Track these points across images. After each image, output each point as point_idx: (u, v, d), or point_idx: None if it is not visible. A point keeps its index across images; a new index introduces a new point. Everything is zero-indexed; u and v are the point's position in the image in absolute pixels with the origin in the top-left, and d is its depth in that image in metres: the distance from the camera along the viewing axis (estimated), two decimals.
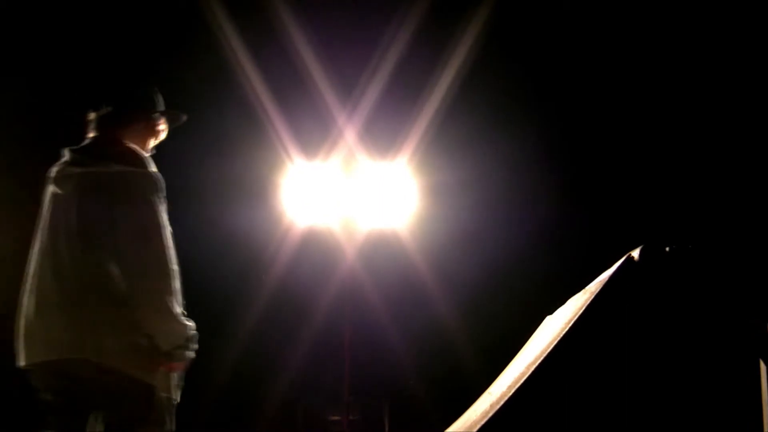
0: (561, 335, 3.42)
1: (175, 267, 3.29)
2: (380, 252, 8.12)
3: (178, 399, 3.35)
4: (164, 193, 3.34)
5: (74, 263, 3.24)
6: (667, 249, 3.44)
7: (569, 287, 7.83)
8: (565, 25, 7.81)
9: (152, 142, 3.58)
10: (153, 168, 3.40)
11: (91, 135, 3.51)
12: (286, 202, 7.71)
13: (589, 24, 7.85)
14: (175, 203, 3.35)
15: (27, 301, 3.31)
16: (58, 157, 3.44)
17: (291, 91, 7.49)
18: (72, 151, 3.46)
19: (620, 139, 8.20)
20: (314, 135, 7.68)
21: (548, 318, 4.06)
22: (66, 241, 3.27)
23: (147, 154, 3.47)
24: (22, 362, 3.27)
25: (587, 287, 3.66)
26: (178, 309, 3.30)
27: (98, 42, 7.42)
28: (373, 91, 7.80)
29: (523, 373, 3.50)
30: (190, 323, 3.30)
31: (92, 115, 3.51)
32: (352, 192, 7.81)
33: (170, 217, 3.35)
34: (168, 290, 3.25)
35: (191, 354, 3.31)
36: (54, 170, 3.41)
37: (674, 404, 3.30)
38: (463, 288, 8.09)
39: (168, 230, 3.31)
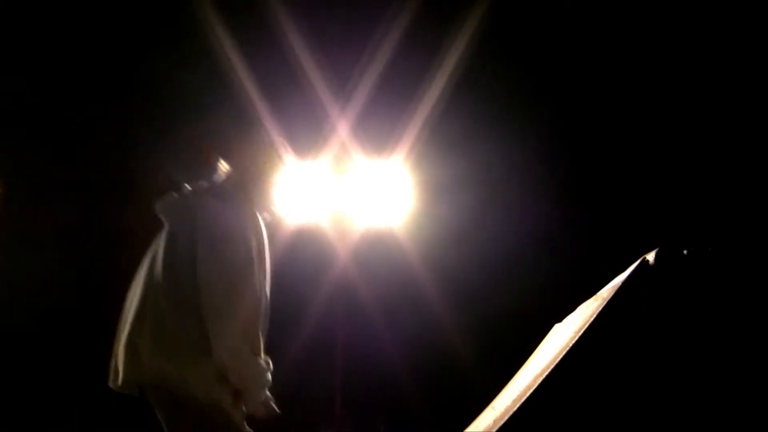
0: (571, 345, 3.30)
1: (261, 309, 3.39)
2: (375, 253, 8.09)
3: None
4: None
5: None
6: (685, 252, 3.33)
7: (571, 288, 7.78)
8: (567, 18, 7.85)
9: None
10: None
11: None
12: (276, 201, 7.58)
13: (593, 17, 7.87)
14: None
15: (125, 325, 3.45)
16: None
17: (280, 84, 7.43)
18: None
19: (624, 136, 8.20)
20: (305, 130, 7.59)
21: (557, 326, 3.93)
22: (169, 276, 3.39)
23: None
24: (114, 383, 3.47)
25: (599, 293, 3.53)
26: (257, 353, 3.43)
27: (82, 37, 7.49)
28: (367, 85, 7.74)
29: (529, 386, 3.39)
30: (264, 367, 3.41)
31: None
32: (345, 190, 7.82)
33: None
34: (245, 332, 3.36)
35: (263, 398, 3.44)
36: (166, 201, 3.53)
37: (693, 420, 3.19)
38: (462, 291, 8.07)
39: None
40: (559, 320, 3.95)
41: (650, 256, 3.34)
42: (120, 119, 7.76)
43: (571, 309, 3.89)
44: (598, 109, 8.15)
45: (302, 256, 7.71)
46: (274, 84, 7.26)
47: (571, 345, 3.30)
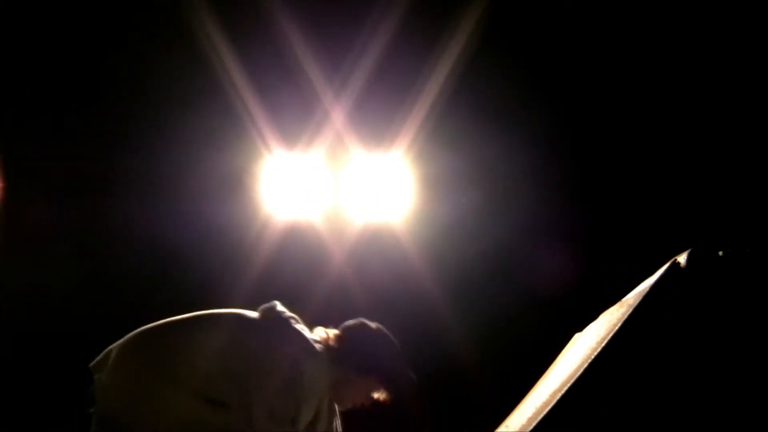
0: (593, 357, 3.13)
1: None
2: (372, 253, 7.94)
3: None
4: None
5: None
6: (721, 253, 3.19)
7: (580, 290, 7.69)
8: (578, 7, 7.72)
9: None
10: None
11: None
12: (265, 197, 7.59)
13: (603, 7, 7.74)
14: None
15: None
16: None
17: (267, 66, 7.21)
18: None
19: (638, 131, 8.05)
20: (295, 119, 7.46)
21: (577, 336, 3.75)
22: None
23: None
24: None
25: (624, 299, 3.38)
26: None
27: (70, 29, 7.40)
28: (365, 69, 7.46)
29: (546, 403, 3.23)
30: None
31: None
32: (341, 185, 7.72)
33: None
34: None
35: None
36: None
37: None
38: (467, 295, 7.91)
39: None
40: (576, 327, 3.76)
41: (682, 258, 3.19)
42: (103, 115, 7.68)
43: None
44: (611, 103, 8.05)
45: (293, 255, 7.63)
46: (261, 66, 7.13)
47: (593, 357, 3.13)
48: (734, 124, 7.79)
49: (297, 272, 7.60)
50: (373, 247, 7.97)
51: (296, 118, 7.42)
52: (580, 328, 3.79)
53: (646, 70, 7.84)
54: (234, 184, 7.57)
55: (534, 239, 7.95)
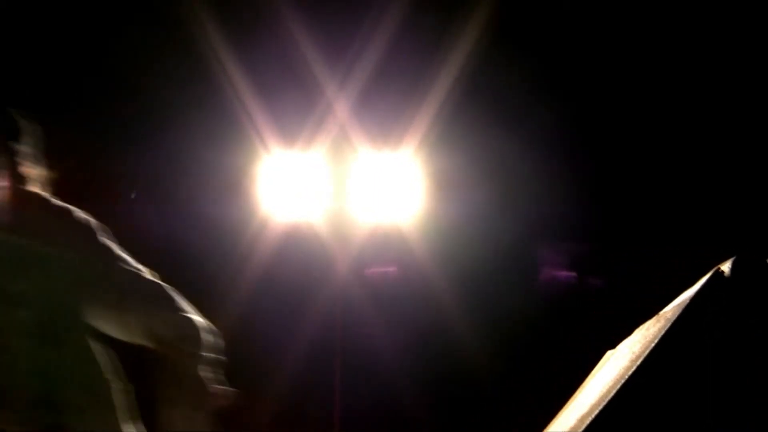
0: (627, 376, 2.99)
1: None
2: (379, 258, 8.11)
3: None
4: None
5: None
6: None
7: (599, 295, 7.76)
8: (582, 5, 7.95)
9: None
10: None
11: None
12: (263, 198, 7.57)
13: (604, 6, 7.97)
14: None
15: None
16: None
17: (267, 58, 7.14)
18: None
19: (653, 128, 8.31)
20: (296, 114, 7.41)
21: (609, 354, 3.62)
22: None
23: None
24: None
25: (661, 313, 3.24)
26: None
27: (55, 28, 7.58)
28: (371, 61, 7.41)
29: (574, 429, 3.10)
30: None
31: None
32: (345, 185, 7.70)
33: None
34: None
35: None
36: None
37: None
38: (480, 300, 8.05)
39: None
40: (607, 343, 3.69)
41: (725, 267, 3.04)
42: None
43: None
44: (625, 103, 8.21)
45: (294, 259, 7.66)
46: (260, 58, 7.06)
47: (626, 377, 2.98)
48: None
49: (298, 277, 7.71)
50: (381, 250, 8.03)
51: (296, 112, 7.36)
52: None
53: (666, 65, 8.09)
54: (230, 184, 7.53)
55: (558, 243, 8.18)
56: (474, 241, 8.11)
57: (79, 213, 3.51)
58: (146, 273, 3.48)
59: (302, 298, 7.64)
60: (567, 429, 3.16)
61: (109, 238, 3.50)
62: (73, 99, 7.67)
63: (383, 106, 7.71)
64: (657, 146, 8.17)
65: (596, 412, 2.98)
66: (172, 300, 3.44)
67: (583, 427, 2.98)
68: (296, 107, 7.33)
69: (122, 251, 3.49)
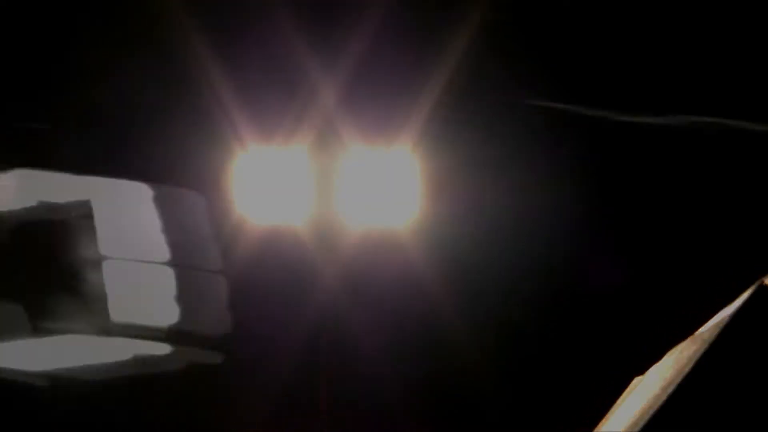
0: (657, 407, 2.94)
1: None
2: (371, 264, 7.93)
3: None
4: None
5: None
6: None
7: (610, 302, 7.80)
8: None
9: None
10: None
11: None
12: (240, 200, 7.54)
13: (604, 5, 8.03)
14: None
15: None
16: None
17: (241, 42, 7.14)
18: None
19: (663, 126, 8.29)
20: (276, 105, 7.33)
21: (637, 381, 3.57)
22: None
23: None
24: None
25: (697, 333, 3.23)
26: None
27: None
28: (362, 47, 7.38)
29: None
30: None
31: None
32: (333, 185, 7.67)
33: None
34: None
35: None
36: None
37: None
38: (481, 310, 7.96)
39: None
40: (635, 368, 3.64)
41: None
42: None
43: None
44: (625, 102, 8.24)
45: (274, 268, 7.60)
46: (233, 41, 7.06)
47: (657, 407, 2.93)
48: None
49: (277, 289, 7.60)
50: (372, 259, 7.94)
51: (275, 101, 7.30)
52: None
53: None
54: (200, 184, 7.57)
55: (564, 248, 8.00)
56: (476, 248, 8.10)
57: None
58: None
59: (282, 312, 7.66)
60: None
61: None
62: (44, 92, 7.69)
63: (376, 94, 7.78)
64: (662, 146, 8.20)
65: None
66: None
67: None
68: (275, 96, 7.43)
69: None
